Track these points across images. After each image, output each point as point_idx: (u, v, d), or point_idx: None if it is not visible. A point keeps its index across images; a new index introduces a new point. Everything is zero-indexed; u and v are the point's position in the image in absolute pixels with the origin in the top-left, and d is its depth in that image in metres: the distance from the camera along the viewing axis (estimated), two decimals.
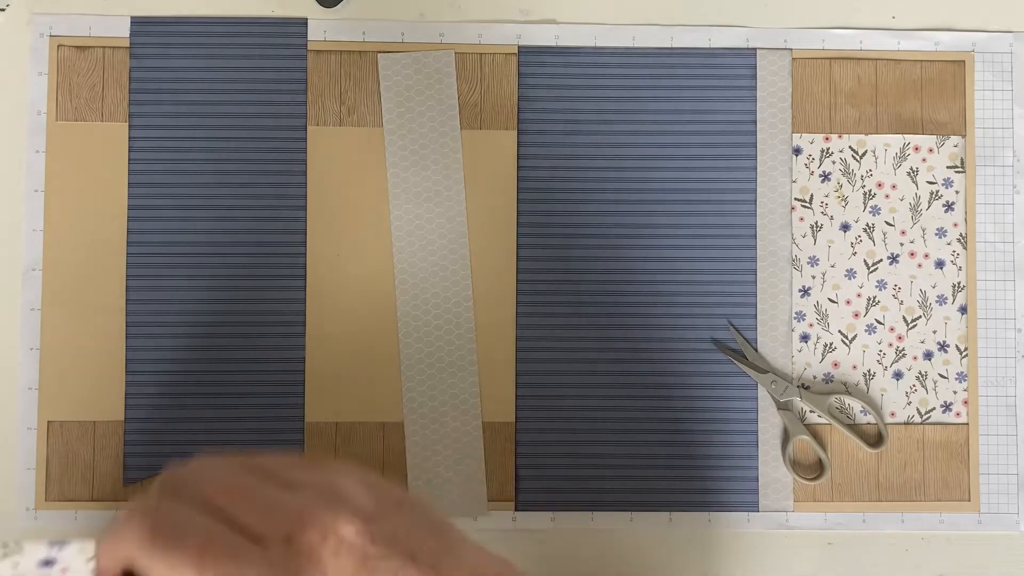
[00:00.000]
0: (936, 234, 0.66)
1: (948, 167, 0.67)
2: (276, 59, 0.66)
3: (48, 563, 0.40)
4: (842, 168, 0.66)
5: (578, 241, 0.66)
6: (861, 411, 0.65)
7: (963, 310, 0.66)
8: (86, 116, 0.65)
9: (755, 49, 0.67)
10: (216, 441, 0.64)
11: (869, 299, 0.66)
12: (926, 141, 0.67)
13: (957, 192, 0.67)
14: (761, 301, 0.66)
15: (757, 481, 0.65)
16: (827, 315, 0.66)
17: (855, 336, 0.66)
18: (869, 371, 0.66)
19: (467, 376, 0.65)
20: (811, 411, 0.65)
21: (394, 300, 0.65)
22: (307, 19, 0.66)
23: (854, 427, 0.65)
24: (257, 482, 0.39)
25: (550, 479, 0.65)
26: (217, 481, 0.39)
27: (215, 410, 0.64)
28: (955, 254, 0.66)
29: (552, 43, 0.66)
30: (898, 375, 0.66)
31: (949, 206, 0.67)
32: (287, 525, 0.37)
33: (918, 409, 0.66)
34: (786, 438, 0.65)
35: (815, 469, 0.65)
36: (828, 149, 0.66)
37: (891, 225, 0.66)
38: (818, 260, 0.66)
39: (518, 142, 0.66)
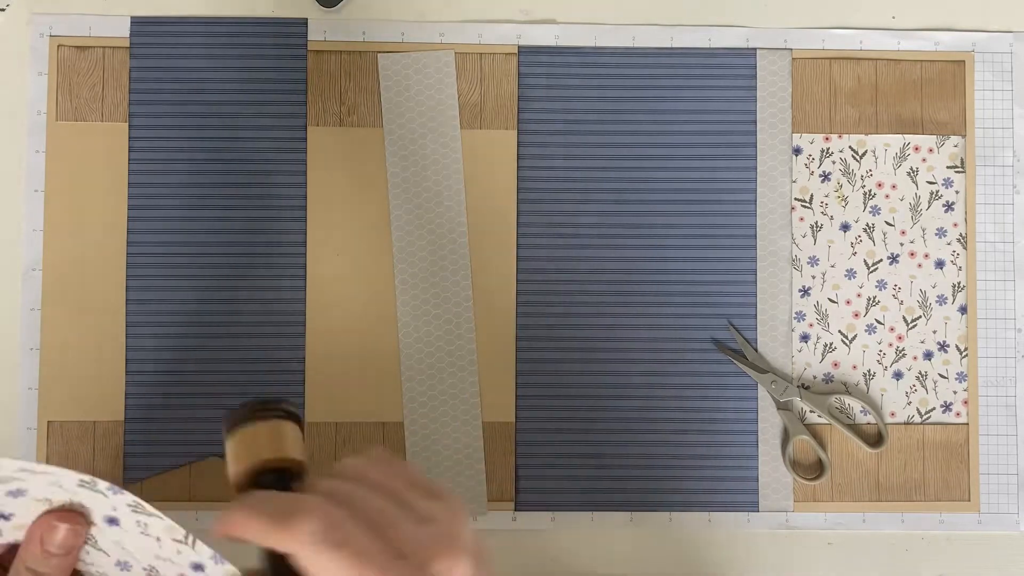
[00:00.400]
0: (936, 234, 0.66)
1: (948, 167, 0.67)
2: (276, 59, 0.66)
3: (198, 568, 0.42)
4: (842, 168, 0.66)
5: (578, 241, 0.66)
6: (861, 411, 0.65)
7: (963, 310, 0.66)
8: (86, 116, 0.65)
9: (755, 49, 0.67)
10: (216, 441, 0.63)
11: (869, 299, 0.66)
12: (926, 141, 0.67)
13: (957, 192, 0.67)
14: (761, 301, 0.66)
15: (757, 481, 0.65)
16: (827, 315, 0.66)
17: (855, 336, 0.66)
18: (869, 371, 0.66)
19: (467, 376, 0.65)
20: (811, 411, 0.65)
21: (394, 300, 0.65)
22: (307, 19, 0.66)
23: (854, 427, 0.65)
24: (399, 508, 0.43)
25: (550, 479, 0.65)
26: (372, 500, 0.42)
27: (215, 410, 0.64)
28: (955, 254, 0.66)
29: (552, 43, 0.66)
30: (898, 375, 0.66)
31: (949, 206, 0.67)
32: (423, 553, 0.41)
33: (918, 409, 0.66)
34: (786, 438, 0.65)
35: (815, 469, 0.65)
36: (828, 149, 0.66)
37: (891, 225, 0.66)
38: (818, 260, 0.66)
39: (518, 142, 0.66)
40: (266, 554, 0.40)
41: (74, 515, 0.45)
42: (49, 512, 0.45)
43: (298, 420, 0.44)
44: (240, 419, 0.43)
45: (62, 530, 0.45)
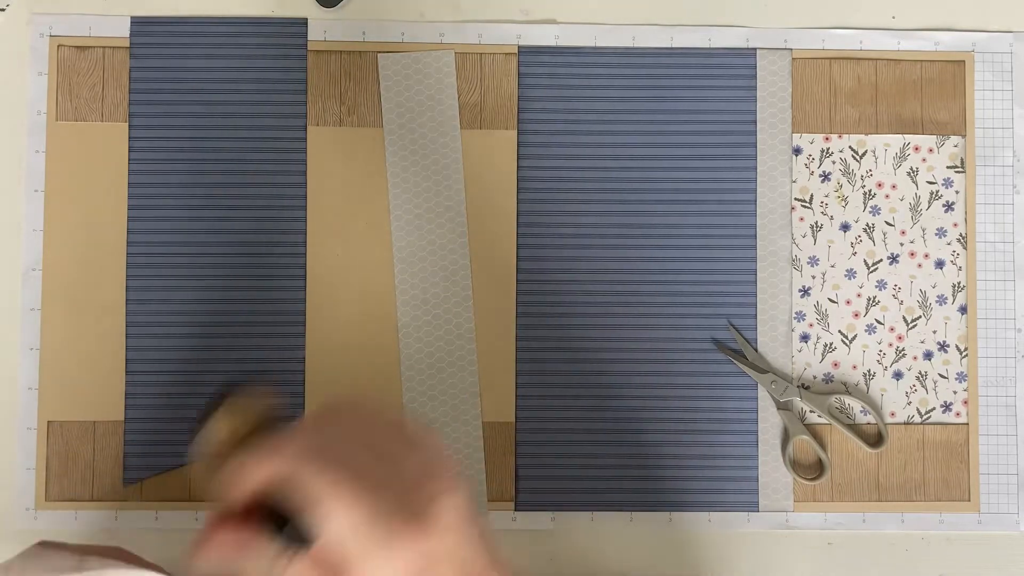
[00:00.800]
0: (936, 234, 0.66)
1: (948, 167, 0.67)
2: (276, 59, 0.66)
3: None
4: (842, 168, 0.66)
5: (578, 241, 0.66)
6: (861, 411, 0.65)
7: (963, 310, 0.66)
8: (86, 116, 0.65)
9: (755, 49, 0.67)
10: None
11: (869, 299, 0.66)
12: (926, 141, 0.67)
13: (957, 192, 0.67)
14: (761, 301, 0.66)
15: (757, 481, 0.65)
16: (827, 315, 0.66)
17: (855, 336, 0.66)
18: (869, 371, 0.66)
19: (467, 376, 0.65)
20: (811, 411, 0.65)
21: (394, 300, 0.65)
22: (307, 19, 0.66)
23: (854, 427, 0.65)
24: (388, 435, 0.43)
25: (550, 479, 0.65)
26: (363, 426, 0.43)
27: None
28: (955, 254, 0.66)
29: (552, 43, 0.66)
30: (898, 375, 0.66)
31: (949, 206, 0.67)
32: (415, 474, 0.41)
33: (918, 409, 0.66)
34: (786, 438, 0.65)
35: (815, 469, 0.65)
36: (828, 149, 0.66)
37: (891, 225, 0.66)
38: (818, 260, 0.66)
39: (518, 142, 0.66)
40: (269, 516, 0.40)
41: None
42: None
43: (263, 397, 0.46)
44: (222, 400, 0.45)
45: None
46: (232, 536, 0.40)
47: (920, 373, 0.66)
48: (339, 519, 0.39)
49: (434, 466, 0.42)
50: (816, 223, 0.66)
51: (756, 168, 0.66)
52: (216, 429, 0.44)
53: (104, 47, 0.65)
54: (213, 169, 0.65)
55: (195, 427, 0.45)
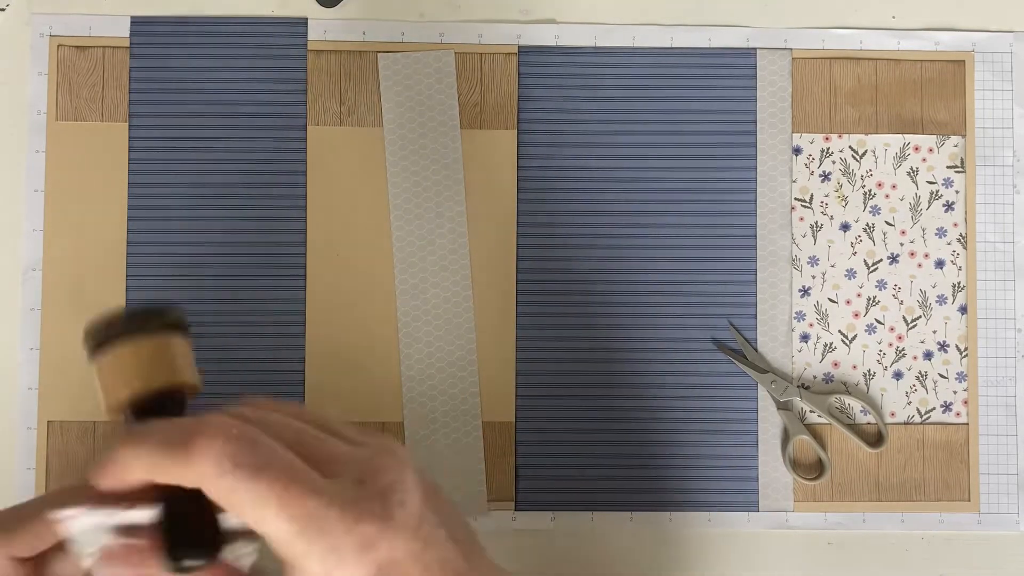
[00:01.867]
0: (936, 234, 0.66)
1: (948, 167, 0.67)
2: (276, 59, 0.66)
3: None
4: (842, 168, 0.66)
5: (578, 241, 0.66)
6: (861, 411, 0.65)
7: (963, 310, 0.66)
8: (86, 116, 0.65)
9: (755, 49, 0.67)
10: None
11: (869, 299, 0.66)
12: (926, 141, 0.67)
13: (957, 192, 0.67)
14: (761, 301, 0.66)
15: (757, 481, 0.65)
16: (827, 315, 0.66)
17: (855, 336, 0.66)
18: (869, 371, 0.66)
19: (467, 376, 0.65)
20: (811, 411, 0.65)
21: (394, 300, 0.65)
22: (307, 19, 0.66)
23: (854, 427, 0.65)
24: (321, 431, 0.38)
25: (550, 479, 0.65)
26: (288, 422, 0.37)
27: (214, 410, 0.64)
28: (955, 254, 0.66)
29: (552, 43, 0.66)
30: (898, 375, 0.66)
31: (949, 206, 0.67)
32: (359, 470, 0.36)
33: (918, 409, 0.66)
34: (786, 438, 0.65)
35: (815, 469, 0.65)
36: (828, 149, 0.66)
37: (891, 225, 0.66)
38: (818, 260, 0.66)
39: (518, 142, 0.66)
40: (163, 498, 0.33)
41: None
42: None
43: (186, 331, 0.36)
44: (113, 334, 0.34)
45: None
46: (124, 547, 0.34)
47: (920, 373, 0.66)
48: (277, 525, 0.34)
49: (381, 461, 0.37)
50: (816, 223, 0.66)
51: (756, 168, 0.66)
52: (102, 385, 0.34)
53: (104, 47, 0.65)
54: (213, 169, 0.65)
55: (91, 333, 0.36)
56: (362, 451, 0.37)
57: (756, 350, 0.65)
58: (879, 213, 0.66)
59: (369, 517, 0.35)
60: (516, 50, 0.66)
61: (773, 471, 0.65)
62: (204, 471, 0.33)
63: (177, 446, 0.33)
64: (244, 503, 0.33)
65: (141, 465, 0.33)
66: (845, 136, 0.66)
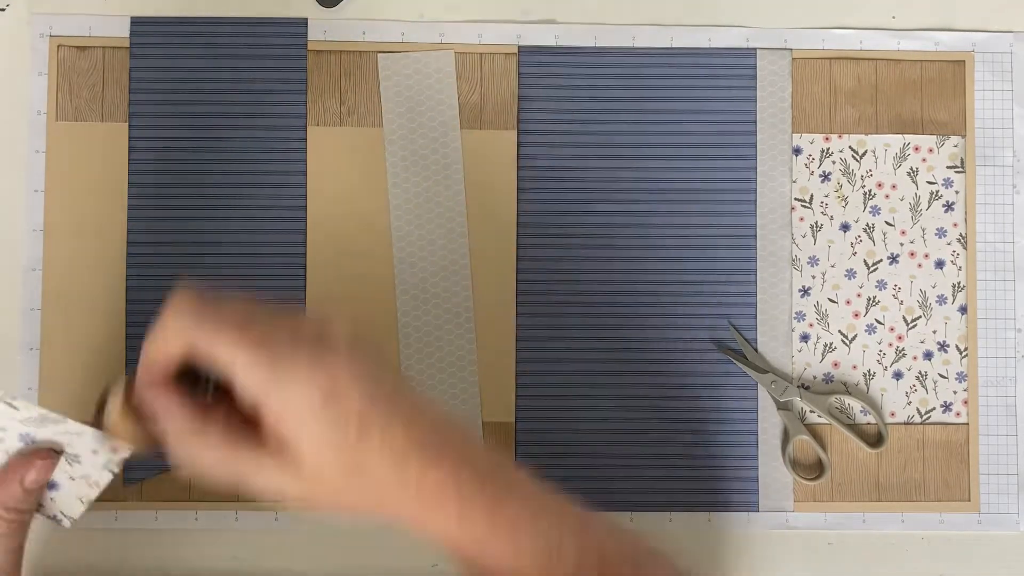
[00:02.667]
0: (936, 234, 0.66)
1: (948, 167, 0.67)
2: (276, 59, 0.66)
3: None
4: (842, 168, 0.66)
5: (578, 241, 0.66)
6: (861, 411, 0.65)
7: (963, 310, 0.66)
8: (86, 116, 0.65)
9: (755, 49, 0.67)
10: None
11: (869, 299, 0.66)
12: (926, 141, 0.67)
13: (957, 192, 0.67)
14: (761, 301, 0.66)
15: (757, 481, 0.65)
16: (827, 315, 0.66)
17: (855, 336, 0.66)
18: (869, 371, 0.66)
19: (467, 376, 0.65)
20: (811, 411, 0.65)
21: (394, 300, 0.65)
22: (307, 19, 0.66)
23: (854, 427, 0.65)
24: (265, 305, 0.46)
25: (550, 479, 0.65)
26: (240, 300, 0.46)
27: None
28: (955, 254, 0.66)
29: (552, 43, 0.66)
30: (898, 375, 0.66)
31: (949, 206, 0.67)
32: (299, 321, 0.46)
33: (918, 409, 0.66)
34: (786, 438, 0.65)
35: (815, 469, 0.65)
36: (828, 149, 0.66)
37: (891, 225, 0.66)
38: (818, 260, 0.66)
39: (518, 142, 0.66)
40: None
41: (43, 451, 0.51)
42: (20, 454, 0.51)
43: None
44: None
45: (38, 466, 0.51)
46: (163, 395, 0.46)
47: (920, 373, 0.66)
48: (242, 364, 0.43)
49: (314, 315, 0.47)
50: (816, 223, 0.66)
51: (756, 168, 0.66)
52: (113, 403, 0.49)
53: (104, 47, 0.65)
54: (213, 169, 0.65)
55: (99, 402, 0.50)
56: (299, 313, 0.48)
57: (756, 350, 0.65)
58: (879, 213, 0.66)
59: (313, 348, 0.44)
60: (516, 50, 0.66)
61: (773, 471, 0.65)
62: (191, 327, 0.44)
63: (162, 323, 0.45)
64: (219, 347, 0.44)
65: (164, 340, 0.45)
66: (845, 136, 0.66)
